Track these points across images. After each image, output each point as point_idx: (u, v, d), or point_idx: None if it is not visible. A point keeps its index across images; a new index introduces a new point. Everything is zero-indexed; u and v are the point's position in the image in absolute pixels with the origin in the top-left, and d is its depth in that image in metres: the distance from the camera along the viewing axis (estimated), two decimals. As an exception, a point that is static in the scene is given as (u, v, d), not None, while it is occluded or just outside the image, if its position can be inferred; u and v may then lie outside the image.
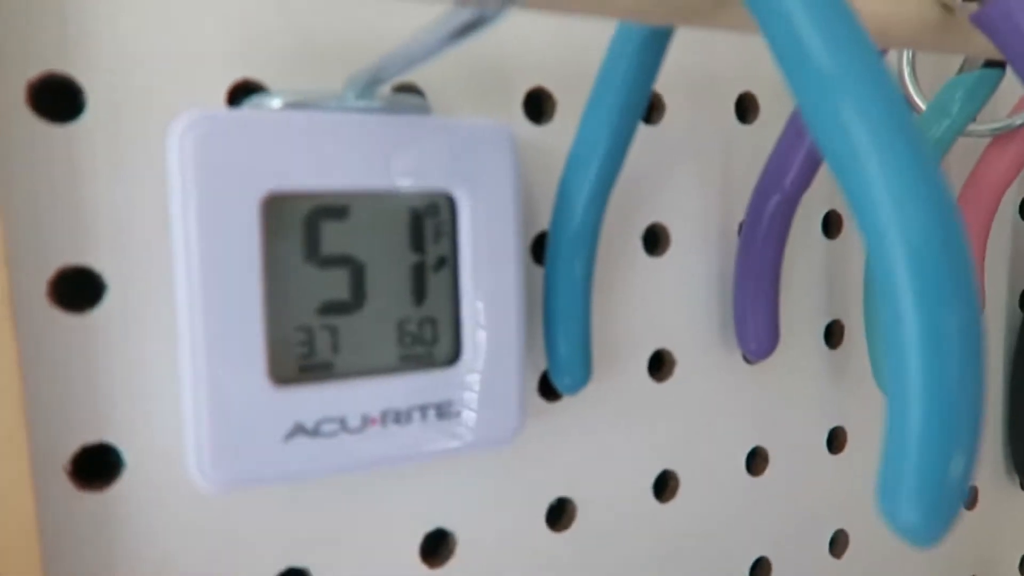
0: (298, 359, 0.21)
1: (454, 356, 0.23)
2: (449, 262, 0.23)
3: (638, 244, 0.30)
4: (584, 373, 0.26)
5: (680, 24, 0.19)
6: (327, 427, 0.21)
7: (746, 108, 0.32)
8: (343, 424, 0.21)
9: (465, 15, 0.16)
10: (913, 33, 0.22)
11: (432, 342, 0.23)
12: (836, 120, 0.16)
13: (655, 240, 0.31)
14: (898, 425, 0.15)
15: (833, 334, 0.36)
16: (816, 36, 0.16)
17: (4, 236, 0.19)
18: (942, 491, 0.14)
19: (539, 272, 0.27)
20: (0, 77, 0.20)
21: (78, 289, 0.21)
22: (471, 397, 0.23)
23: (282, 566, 0.24)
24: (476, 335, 0.23)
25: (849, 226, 0.35)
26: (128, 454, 0.22)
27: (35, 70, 0.20)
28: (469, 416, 0.23)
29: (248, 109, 0.21)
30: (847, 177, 0.16)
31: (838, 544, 0.37)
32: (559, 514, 0.30)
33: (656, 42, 0.22)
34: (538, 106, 0.28)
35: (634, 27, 0.22)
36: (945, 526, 0.14)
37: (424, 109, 0.23)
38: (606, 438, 0.30)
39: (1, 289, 0.19)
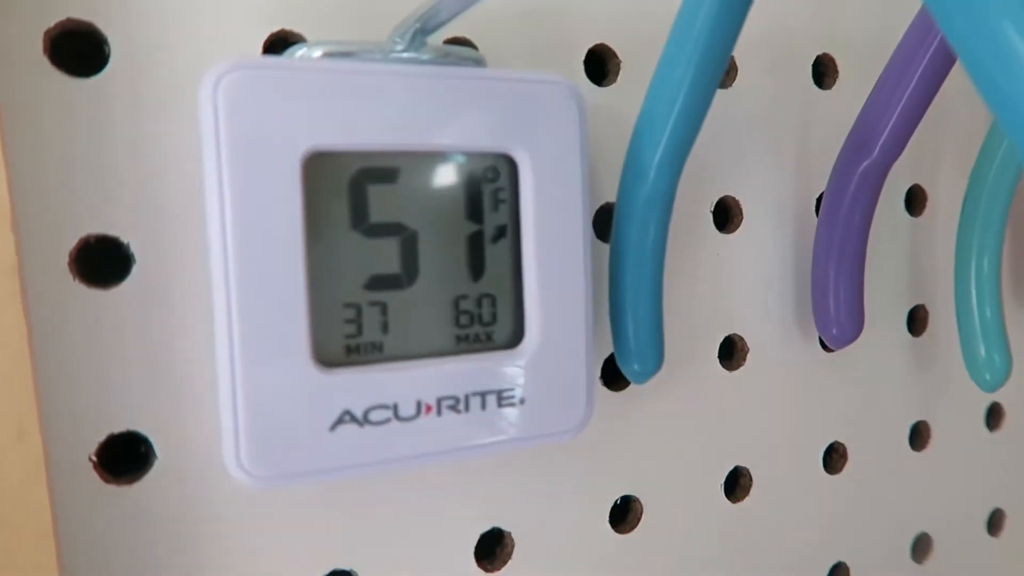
0: (344, 340, 0.19)
1: (515, 338, 0.21)
2: (509, 232, 0.21)
3: (707, 219, 0.27)
4: (656, 360, 0.23)
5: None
6: (377, 414, 0.19)
7: (824, 71, 0.29)
8: (395, 411, 0.19)
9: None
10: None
11: (491, 322, 0.21)
12: (998, 44, 0.13)
13: (726, 215, 0.28)
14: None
15: (916, 320, 0.33)
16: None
17: (12, 201, 0.17)
18: None
19: (603, 249, 0.25)
20: (15, 25, 0.18)
21: (103, 261, 0.19)
22: (535, 384, 0.21)
23: (326, 568, 0.22)
24: (540, 315, 0.21)
25: (935, 203, 0.32)
26: (160, 444, 0.20)
27: (53, 18, 0.18)
28: (532, 405, 0.21)
29: (287, 59, 0.19)
30: (1010, 114, 0.13)
31: (920, 548, 0.34)
32: (623, 514, 0.27)
33: (746, -19, 0.19)
34: (600, 66, 0.25)
35: (720, -36, 0.19)
36: None
37: (480, 61, 0.21)
38: (673, 431, 0.27)
39: (9, 261, 0.17)
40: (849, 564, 0.32)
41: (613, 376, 0.26)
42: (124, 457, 0.20)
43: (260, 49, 0.20)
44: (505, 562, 0.25)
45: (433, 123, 0.19)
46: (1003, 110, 0.13)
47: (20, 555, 0.17)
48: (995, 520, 0.36)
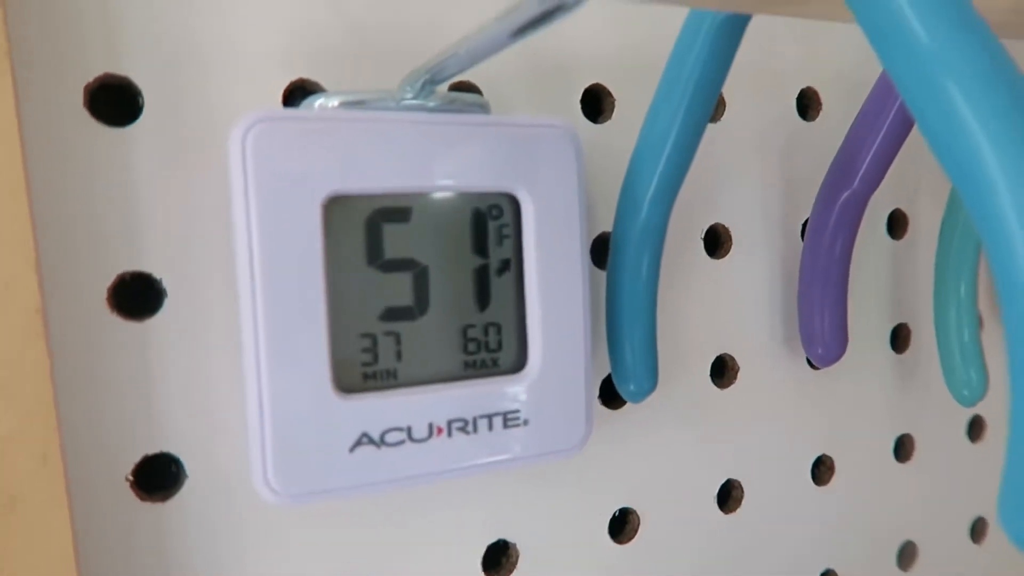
0: (362, 367, 0.21)
1: (519, 363, 0.22)
2: (513, 265, 0.22)
3: (699, 245, 0.29)
4: (651, 380, 0.25)
5: (765, 11, 0.18)
6: (393, 436, 0.20)
7: (807, 104, 0.31)
8: (409, 433, 0.21)
9: (543, 3, 0.15)
10: (1009, 17, 0.21)
11: (497, 349, 0.22)
12: (941, 103, 0.15)
13: (716, 241, 0.30)
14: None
15: (899, 338, 0.34)
16: (915, 11, 0.15)
17: (36, 245, 0.18)
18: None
19: (599, 276, 0.26)
20: (58, 80, 0.20)
21: (137, 296, 0.21)
22: (538, 405, 0.22)
23: (343, 580, 0.23)
24: (542, 341, 0.22)
25: (915, 226, 0.34)
26: (190, 464, 0.21)
27: (92, 73, 0.20)
28: (536, 425, 0.22)
29: (308, 109, 0.21)
30: (956, 168, 0.15)
31: (906, 556, 0.36)
32: (622, 525, 0.29)
33: (731, 31, 0.21)
34: (596, 104, 0.27)
35: (706, 16, 0.21)
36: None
37: (484, 107, 0.23)
38: (668, 447, 0.29)
39: (33, 302, 0.18)
40: (837, 572, 0.33)
41: (611, 395, 0.27)
42: (157, 476, 0.21)
43: (280, 97, 0.22)
44: (511, 571, 0.26)
45: (442, 166, 0.21)
46: (948, 162, 0.15)
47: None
48: (978, 528, 0.38)
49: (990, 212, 0.14)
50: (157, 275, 0.21)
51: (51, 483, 0.17)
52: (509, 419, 0.22)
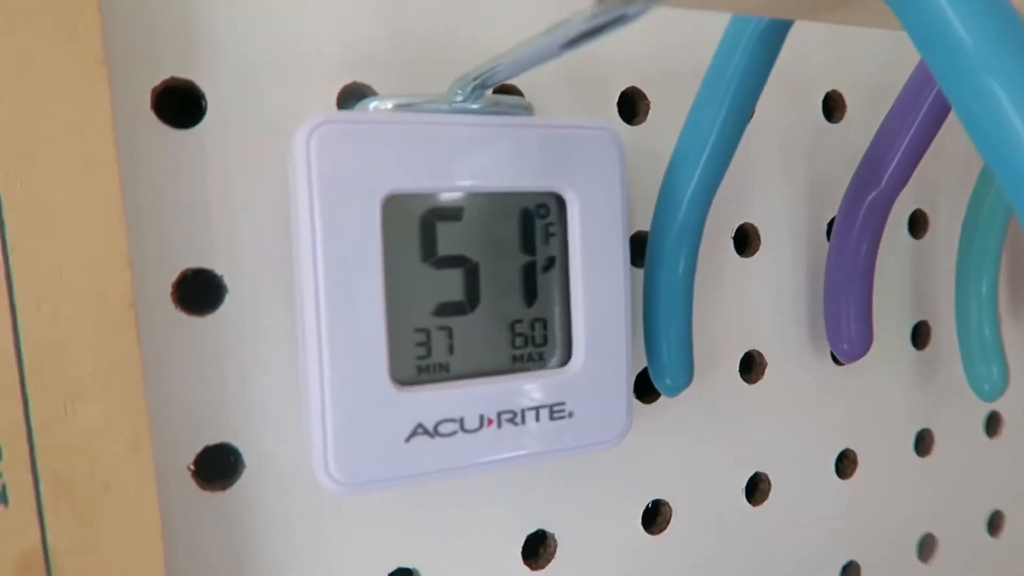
0: (416, 361, 0.21)
1: (564, 358, 0.23)
2: (559, 263, 0.23)
3: (728, 245, 0.30)
4: (686, 375, 0.26)
5: (808, 18, 0.19)
6: (446, 427, 0.21)
7: (832, 107, 0.32)
8: (462, 424, 0.21)
9: (601, 15, 0.16)
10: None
11: (543, 343, 0.23)
12: (986, 102, 0.15)
13: (745, 240, 0.31)
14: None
15: (920, 335, 0.35)
16: (959, 15, 0.16)
17: (129, 240, 0.19)
18: None
19: (636, 274, 0.27)
20: (127, 84, 0.20)
21: (199, 291, 0.22)
22: (582, 398, 0.23)
23: (392, 566, 0.24)
24: (585, 336, 0.23)
25: (936, 226, 0.35)
26: (248, 455, 0.22)
27: (159, 77, 0.21)
28: (580, 417, 0.23)
29: (366, 112, 0.21)
30: (1003, 164, 0.15)
31: (926, 548, 0.36)
32: (654, 516, 0.29)
33: (772, 38, 0.22)
34: (632, 106, 0.28)
35: (748, 23, 0.22)
36: None
37: (528, 108, 0.23)
38: (699, 440, 0.30)
39: (126, 296, 0.19)
40: (860, 562, 0.34)
41: (644, 389, 0.28)
42: (217, 466, 0.22)
43: (334, 99, 0.23)
44: (549, 560, 0.27)
45: (492, 166, 0.22)
46: (993, 157, 0.15)
47: (131, 558, 0.19)
48: (995, 521, 0.39)
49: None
50: (218, 272, 0.22)
51: (141, 469, 0.18)
52: (555, 411, 0.23)
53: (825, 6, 0.18)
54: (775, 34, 0.22)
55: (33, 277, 0.17)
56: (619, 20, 0.16)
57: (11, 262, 0.16)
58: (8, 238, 0.16)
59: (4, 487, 0.17)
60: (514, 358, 0.23)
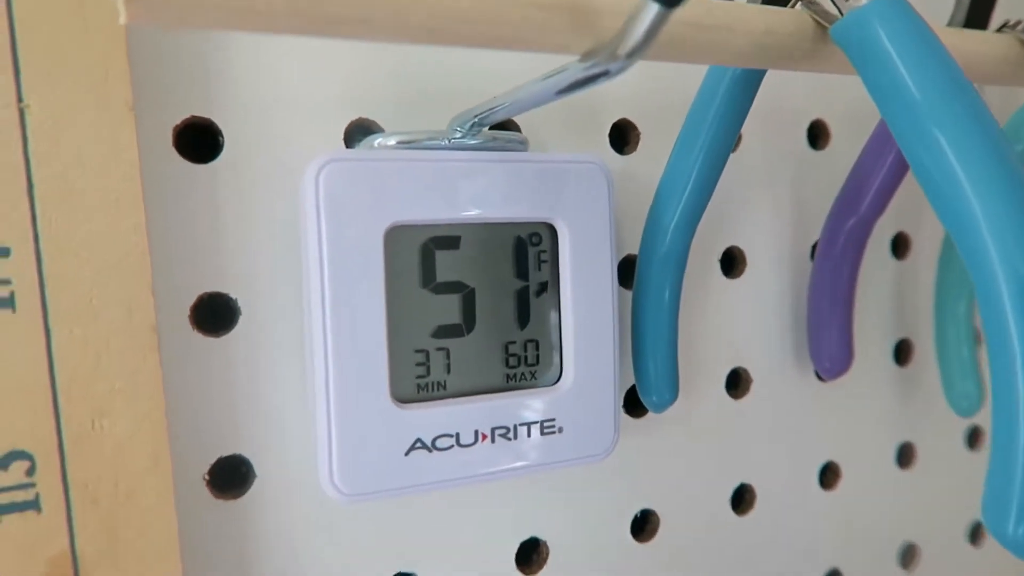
0: (416, 380, 0.23)
1: (555, 377, 0.25)
2: (550, 287, 0.25)
3: (716, 266, 0.31)
4: (672, 392, 0.27)
5: (778, 68, 0.21)
6: (443, 442, 0.23)
7: (817, 135, 0.33)
8: (457, 439, 0.23)
9: (588, 70, 0.18)
10: (996, 68, 0.23)
11: (535, 363, 0.25)
12: (933, 151, 0.17)
13: (732, 262, 0.32)
14: (1004, 445, 0.16)
15: (902, 352, 0.36)
16: (911, 74, 0.18)
17: (151, 267, 0.21)
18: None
19: (625, 295, 0.29)
20: (151, 123, 0.22)
21: (215, 313, 0.23)
22: (571, 415, 0.25)
23: (393, 570, 0.26)
24: (575, 356, 0.25)
25: (917, 248, 0.36)
26: (259, 465, 0.24)
27: (181, 116, 0.22)
28: (570, 433, 0.25)
29: (372, 149, 0.23)
30: (946, 208, 0.17)
31: (907, 557, 0.38)
32: (643, 525, 0.31)
33: (749, 81, 0.23)
34: (623, 136, 0.29)
35: (727, 68, 0.23)
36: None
37: (524, 143, 0.25)
38: (687, 453, 0.31)
39: (150, 320, 0.20)
40: (842, 571, 0.36)
41: (634, 404, 0.30)
42: (230, 476, 0.24)
43: (341, 134, 0.24)
44: (541, 567, 0.28)
45: (488, 198, 0.23)
46: (940, 205, 0.17)
47: (151, 562, 0.21)
48: (976, 531, 0.40)
49: (972, 244, 0.16)
50: (233, 295, 0.23)
51: (161, 480, 0.20)
52: (546, 427, 0.24)
53: (792, 58, 0.20)
54: (751, 78, 0.23)
55: (66, 305, 0.18)
56: (603, 75, 0.18)
57: (47, 291, 0.18)
58: (44, 270, 0.18)
59: (38, 496, 0.18)
60: (508, 377, 0.24)
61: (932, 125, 0.17)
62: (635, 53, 0.17)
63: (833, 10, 0.19)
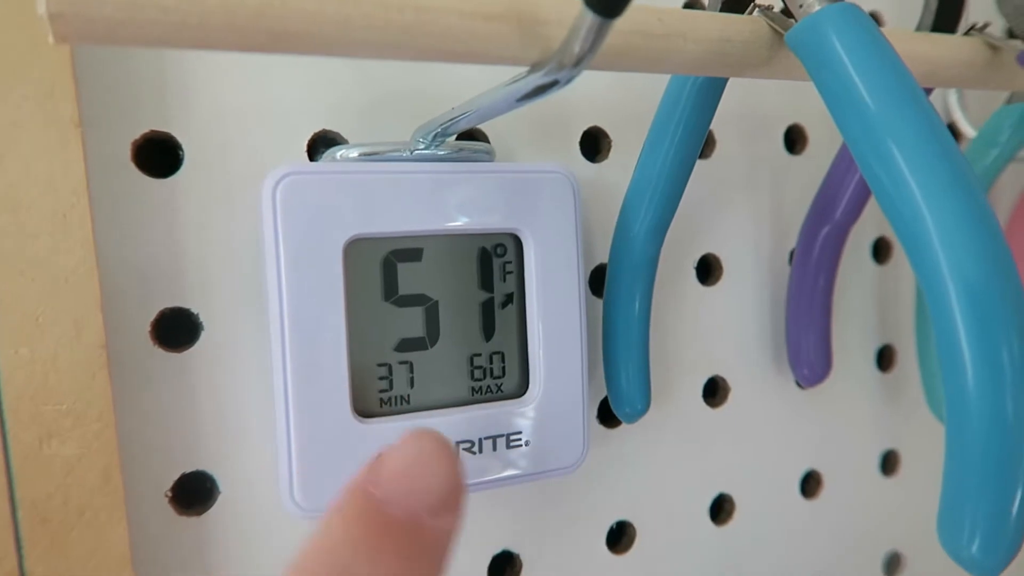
0: (378, 394, 0.23)
1: (522, 389, 0.25)
2: (516, 299, 0.24)
3: (692, 274, 0.31)
4: (644, 402, 0.27)
5: (735, 75, 0.20)
6: (406, 457, 0.22)
7: (794, 139, 0.33)
8: (421, 454, 0.23)
9: (539, 80, 0.17)
10: (964, 72, 0.23)
11: (501, 375, 0.24)
12: (885, 160, 0.17)
13: (708, 270, 0.32)
14: (957, 461, 0.16)
15: (885, 358, 0.36)
16: (864, 81, 0.17)
17: (100, 286, 0.21)
18: (1002, 527, 0.14)
19: (596, 304, 0.29)
20: (108, 138, 0.22)
21: (176, 329, 0.23)
22: (538, 428, 0.24)
23: (361, 587, 0.26)
24: (543, 368, 0.24)
25: (898, 252, 0.36)
26: (223, 481, 0.24)
27: (139, 131, 0.22)
28: (537, 446, 0.24)
29: (332, 162, 0.23)
30: (897, 217, 0.17)
31: (892, 565, 0.37)
32: (619, 537, 0.31)
33: (712, 88, 0.23)
34: (594, 144, 0.29)
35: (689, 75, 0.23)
36: (1006, 560, 0.14)
37: (489, 154, 0.25)
38: (664, 463, 0.31)
39: (99, 338, 0.20)
40: (827, 580, 0.35)
41: (608, 415, 0.29)
42: (193, 493, 0.24)
43: (304, 147, 0.24)
44: (515, 580, 0.28)
45: (451, 209, 0.23)
46: (892, 214, 0.17)
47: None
48: (965, 539, 0.40)
49: (923, 253, 0.16)
50: (194, 310, 0.23)
51: (112, 498, 0.19)
52: (512, 440, 0.24)
53: (749, 65, 0.20)
54: (714, 85, 0.23)
55: (12, 323, 0.18)
56: (554, 84, 0.18)
57: (-7, 310, 0.18)
58: (-10, 288, 0.18)
59: (-14, 516, 0.18)
60: (473, 390, 0.24)
61: (885, 134, 0.17)
62: (581, 62, 0.16)
63: (789, 17, 0.19)
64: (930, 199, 0.16)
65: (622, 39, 0.18)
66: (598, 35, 0.16)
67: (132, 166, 0.22)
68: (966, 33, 0.24)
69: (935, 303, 0.16)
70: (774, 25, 0.20)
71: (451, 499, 0.15)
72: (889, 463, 0.37)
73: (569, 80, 0.17)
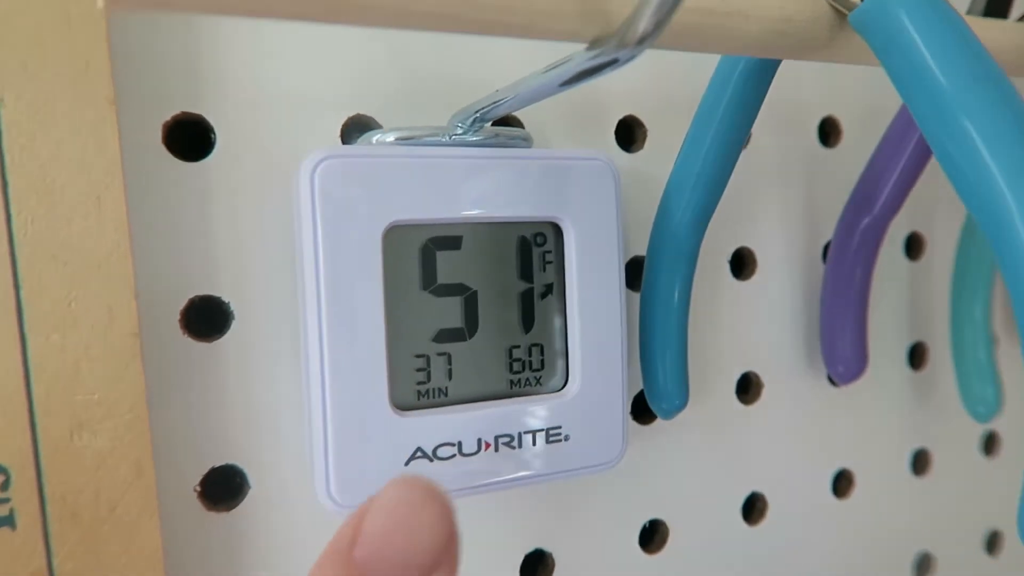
0: (416, 386, 0.22)
1: (561, 382, 0.24)
2: (556, 289, 0.24)
3: (725, 268, 0.30)
4: (682, 398, 0.26)
5: (794, 58, 0.20)
6: (445, 451, 0.22)
7: (828, 132, 0.32)
8: (460, 448, 0.22)
9: (594, 60, 0.17)
10: (1018, 59, 0.22)
11: (540, 368, 0.24)
12: (960, 142, 0.16)
13: (742, 264, 0.31)
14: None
15: (916, 356, 0.35)
16: (938, 63, 0.17)
17: (134, 274, 0.20)
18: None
19: (633, 297, 0.28)
20: (139, 119, 0.21)
21: (207, 317, 0.22)
22: (578, 422, 0.24)
23: (392, 586, 0.25)
24: (582, 361, 0.24)
25: (932, 248, 0.35)
26: (252, 476, 0.23)
27: (170, 112, 0.22)
28: (576, 441, 0.23)
29: (370, 145, 0.22)
30: (975, 199, 0.16)
31: (923, 566, 0.37)
32: (651, 536, 0.30)
33: (762, 74, 0.22)
34: (630, 134, 0.28)
35: (738, 59, 0.22)
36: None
37: (527, 140, 0.24)
38: (697, 461, 0.30)
39: (132, 326, 0.19)
40: (857, 582, 0.35)
41: (642, 411, 0.29)
42: (223, 487, 0.23)
43: (338, 131, 0.23)
44: (547, 580, 0.27)
45: (490, 197, 0.22)
46: (969, 197, 0.16)
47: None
48: (993, 541, 0.39)
49: (1006, 237, 0.15)
50: (225, 298, 0.22)
51: (145, 492, 0.19)
52: (551, 435, 0.23)
53: (810, 47, 0.19)
54: (764, 71, 0.22)
55: (43, 309, 0.17)
56: (612, 63, 0.17)
57: (23, 294, 0.17)
58: (20, 271, 0.17)
59: (12, 511, 0.17)
60: (512, 383, 0.23)
61: (960, 114, 0.16)
62: (645, 40, 0.16)
63: (852, -4, 0.18)
64: (1012, 181, 0.15)
65: (682, 17, 0.17)
66: (669, 11, 0.15)
67: (163, 148, 0.22)
68: (1020, 19, 0.23)
69: (1018, 288, 0.15)
70: (836, 5, 0.19)
71: (444, 554, 0.13)
72: (920, 463, 0.36)
73: (629, 59, 0.17)
